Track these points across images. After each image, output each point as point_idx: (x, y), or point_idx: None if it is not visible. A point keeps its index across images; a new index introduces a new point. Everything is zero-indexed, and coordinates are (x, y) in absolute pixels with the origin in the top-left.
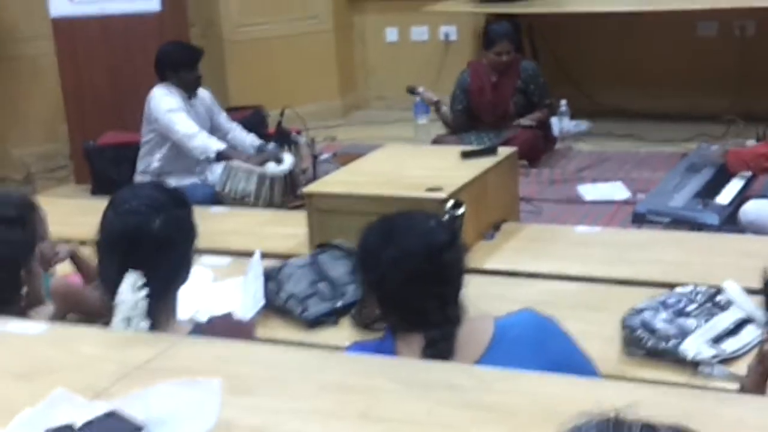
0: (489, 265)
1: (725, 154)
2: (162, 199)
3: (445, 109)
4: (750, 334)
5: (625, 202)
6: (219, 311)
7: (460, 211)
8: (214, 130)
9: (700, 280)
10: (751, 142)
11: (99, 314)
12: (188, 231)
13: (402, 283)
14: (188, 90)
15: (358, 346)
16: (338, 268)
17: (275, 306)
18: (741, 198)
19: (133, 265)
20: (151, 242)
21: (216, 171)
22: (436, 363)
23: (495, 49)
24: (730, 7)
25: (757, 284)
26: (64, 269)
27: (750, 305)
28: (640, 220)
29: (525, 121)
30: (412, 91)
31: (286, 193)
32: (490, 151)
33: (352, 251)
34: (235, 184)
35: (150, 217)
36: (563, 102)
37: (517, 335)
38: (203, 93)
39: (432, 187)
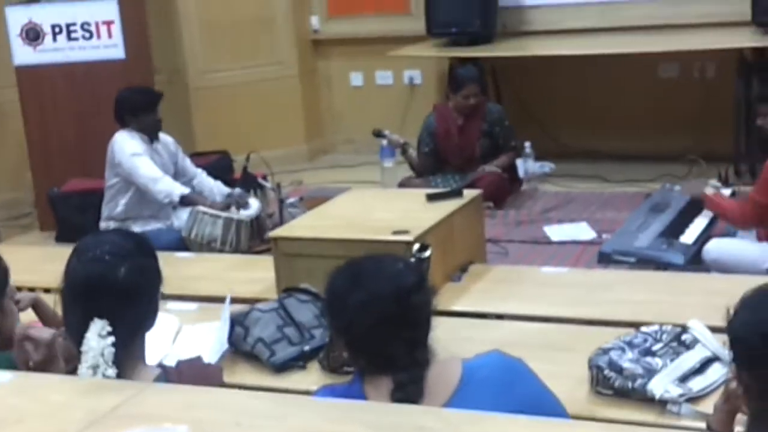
0: (457, 307)
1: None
2: (127, 247)
3: (412, 151)
4: (716, 373)
5: (591, 243)
6: (187, 355)
7: (427, 253)
8: (179, 175)
9: (666, 319)
10: (713, 182)
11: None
12: (153, 278)
13: (370, 327)
14: (149, 134)
15: (326, 390)
16: (305, 312)
17: (243, 351)
18: (705, 237)
19: (98, 313)
20: (116, 290)
21: (182, 216)
22: (404, 406)
23: (463, 92)
24: (690, 50)
25: (722, 323)
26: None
27: (715, 344)
28: (605, 260)
29: (490, 168)
30: (378, 134)
31: (253, 238)
32: (456, 193)
33: (319, 295)
34: (202, 229)
35: (115, 265)
36: (528, 144)
37: (485, 377)
38: (166, 138)
39: (398, 230)
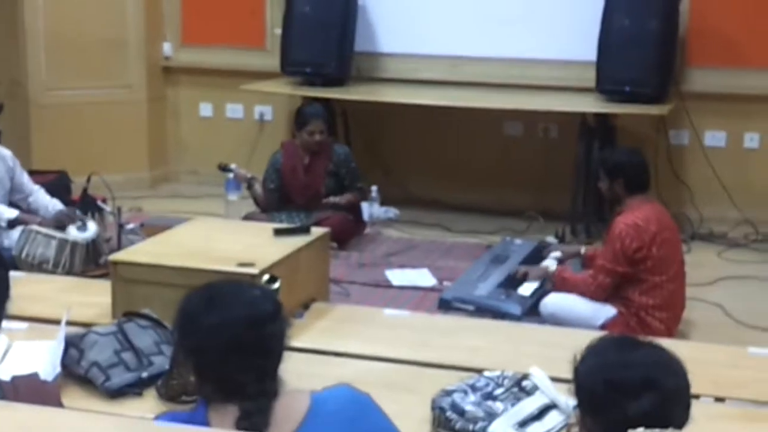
0: (299, 344)
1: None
2: None
3: (258, 187)
4: (553, 420)
5: (432, 289)
6: (19, 372)
7: (275, 285)
8: (15, 191)
9: (504, 366)
10: (550, 238)
11: None
12: (2, 291)
13: (221, 351)
14: None
15: (168, 416)
16: (145, 338)
17: (76, 374)
18: (542, 291)
19: None
20: None
21: (12, 236)
22: None
23: (308, 128)
24: (535, 110)
25: (558, 373)
26: None
27: (554, 392)
28: (445, 306)
29: (334, 198)
30: (224, 168)
31: (88, 262)
32: (303, 230)
33: (161, 321)
34: (34, 249)
35: None
36: (374, 188)
37: (333, 410)
38: (4, 152)
39: (244, 262)
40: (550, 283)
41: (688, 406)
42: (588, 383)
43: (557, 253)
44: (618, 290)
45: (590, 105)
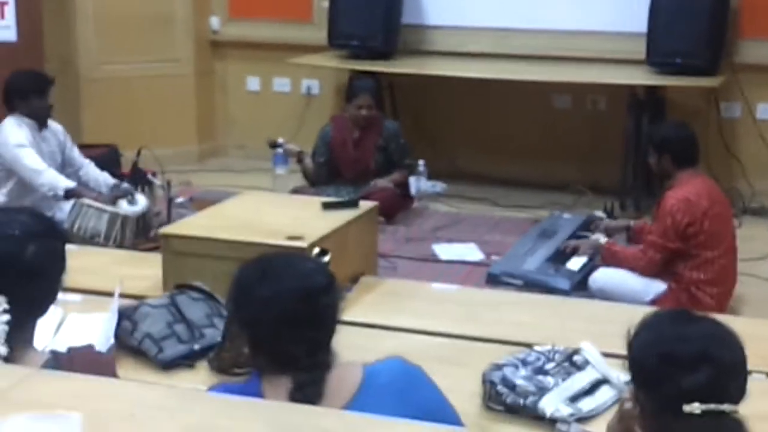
0: (348, 317)
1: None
2: (38, 227)
3: (308, 160)
4: (605, 395)
5: (479, 264)
6: (74, 344)
7: (326, 259)
8: (66, 164)
9: (554, 341)
10: (598, 212)
11: None
12: (59, 262)
13: (275, 324)
14: (39, 119)
15: (222, 387)
16: (197, 311)
17: (129, 345)
18: (591, 266)
19: None
20: (21, 269)
21: (65, 208)
22: (304, 407)
23: (356, 102)
24: (583, 82)
25: (608, 348)
26: None
27: (605, 367)
28: (493, 281)
29: (383, 182)
30: (273, 145)
31: (138, 235)
32: (352, 203)
33: (213, 294)
34: (85, 222)
35: (23, 242)
36: (421, 162)
37: (386, 382)
38: (56, 126)
39: (293, 235)
40: (599, 257)
41: (744, 381)
42: (642, 357)
43: (600, 235)
44: (668, 265)
45: (640, 77)
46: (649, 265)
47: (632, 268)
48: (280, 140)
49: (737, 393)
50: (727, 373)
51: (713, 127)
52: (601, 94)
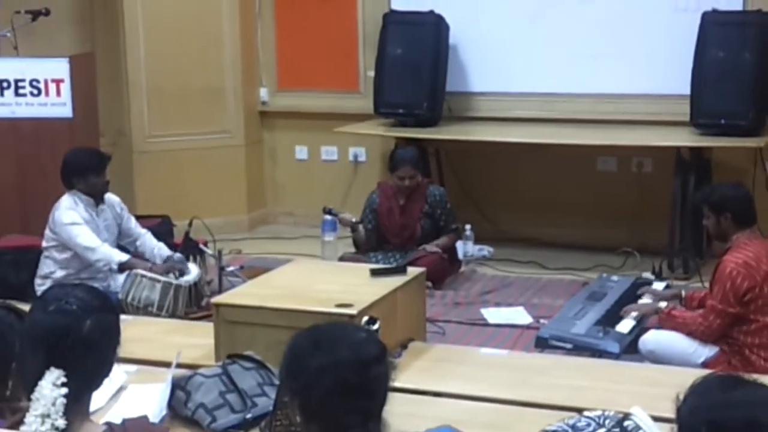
0: (398, 384)
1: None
2: (93, 302)
3: (362, 230)
4: None
5: (528, 327)
6: (128, 415)
7: (375, 327)
8: (124, 235)
9: (604, 405)
10: (647, 274)
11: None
12: (114, 336)
13: (327, 393)
14: (96, 196)
15: None
16: (249, 380)
17: (183, 415)
18: (640, 328)
19: (56, 363)
20: (79, 342)
21: (119, 279)
22: None
23: (398, 173)
24: (628, 144)
25: (660, 412)
26: None
27: (657, 431)
28: (542, 344)
29: (431, 247)
30: (328, 212)
31: (190, 304)
32: (400, 270)
33: (264, 363)
34: (139, 292)
35: (81, 317)
36: (468, 226)
37: None
38: (112, 199)
39: (342, 303)
40: (652, 321)
41: None
42: (691, 424)
43: (664, 303)
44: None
45: (685, 139)
46: (708, 330)
47: (691, 333)
48: (335, 211)
49: None
50: None
51: (760, 187)
52: (647, 155)
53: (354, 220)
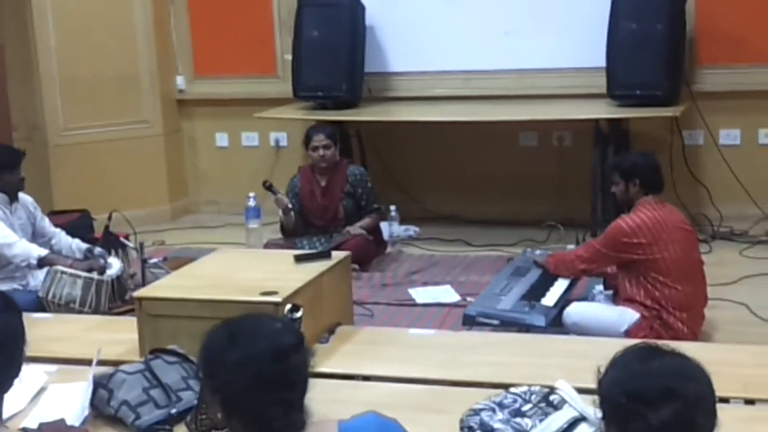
0: (325, 369)
1: (547, 259)
2: None
3: (293, 215)
4: None
5: (455, 305)
6: (48, 417)
7: (299, 314)
8: (37, 236)
9: (531, 380)
10: (571, 247)
11: None
12: (20, 336)
13: (246, 387)
14: (10, 193)
15: None
16: (173, 374)
17: (106, 414)
18: (565, 300)
19: None
20: None
21: (38, 276)
22: None
23: (312, 143)
24: (548, 119)
25: (585, 384)
26: None
27: (582, 404)
28: (470, 322)
29: (354, 229)
30: (269, 187)
31: (113, 299)
32: (324, 254)
33: (188, 356)
34: (60, 289)
35: None
36: (393, 207)
37: None
38: (25, 198)
39: (267, 290)
40: (576, 293)
41: (713, 414)
42: (610, 395)
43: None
44: (633, 294)
45: (602, 111)
46: (578, 260)
47: (563, 264)
48: (276, 189)
49: (707, 425)
50: (694, 407)
51: (678, 155)
52: (566, 129)
53: (289, 204)
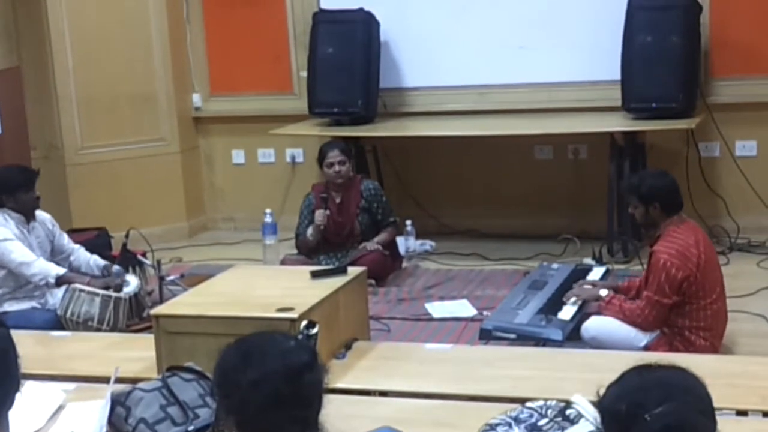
0: (341, 385)
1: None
2: None
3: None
4: None
5: (472, 320)
6: None
7: (315, 330)
8: (56, 252)
9: (548, 394)
10: (587, 260)
11: None
12: (10, 349)
13: (261, 406)
14: (27, 212)
15: None
16: (190, 391)
17: None
18: (582, 314)
19: None
20: None
21: (57, 295)
22: None
23: (327, 160)
24: (563, 132)
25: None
26: None
27: (599, 418)
28: (486, 336)
29: (371, 245)
30: (325, 200)
31: (131, 316)
32: (340, 270)
33: (204, 374)
34: (78, 307)
35: None
36: (409, 222)
37: None
38: (43, 216)
39: (283, 307)
40: (594, 307)
41: (712, 419)
42: (611, 407)
43: (605, 290)
44: None
45: (618, 124)
46: (646, 321)
47: (633, 323)
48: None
49: (708, 428)
50: (693, 411)
51: (694, 167)
52: (582, 142)
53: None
